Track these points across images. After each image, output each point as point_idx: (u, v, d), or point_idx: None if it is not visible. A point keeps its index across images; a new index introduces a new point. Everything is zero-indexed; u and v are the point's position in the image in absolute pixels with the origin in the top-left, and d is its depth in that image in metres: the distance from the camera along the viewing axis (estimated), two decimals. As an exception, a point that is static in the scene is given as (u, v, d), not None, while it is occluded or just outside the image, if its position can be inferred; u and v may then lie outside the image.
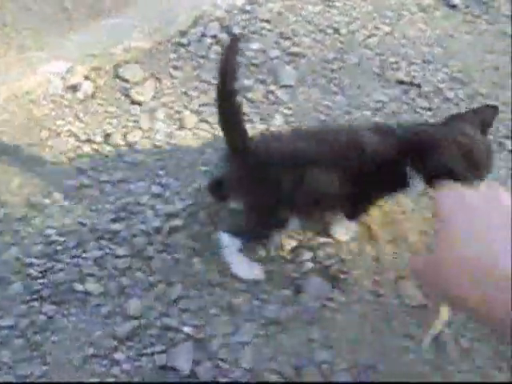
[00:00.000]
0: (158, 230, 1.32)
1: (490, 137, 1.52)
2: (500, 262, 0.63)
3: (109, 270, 1.28)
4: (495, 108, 1.24)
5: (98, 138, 1.46)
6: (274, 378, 1.16)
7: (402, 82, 1.61)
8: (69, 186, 1.39)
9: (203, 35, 1.63)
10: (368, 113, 1.55)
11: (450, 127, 1.17)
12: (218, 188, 1.31)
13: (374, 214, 1.38)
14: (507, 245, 0.63)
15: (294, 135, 1.22)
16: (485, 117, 1.20)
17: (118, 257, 1.29)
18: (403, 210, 1.41)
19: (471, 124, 1.17)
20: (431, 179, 1.11)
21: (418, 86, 1.61)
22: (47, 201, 1.37)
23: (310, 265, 1.30)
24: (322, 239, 1.33)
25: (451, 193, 0.76)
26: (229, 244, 1.25)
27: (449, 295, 0.70)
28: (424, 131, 1.16)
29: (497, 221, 0.68)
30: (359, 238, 1.35)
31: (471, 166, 1.11)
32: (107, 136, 1.46)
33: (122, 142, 1.45)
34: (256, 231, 1.27)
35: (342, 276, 1.29)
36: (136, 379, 1.15)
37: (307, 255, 1.31)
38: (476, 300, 0.64)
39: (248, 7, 1.72)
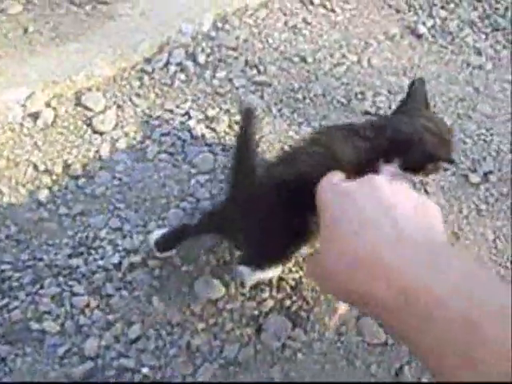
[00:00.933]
0: (117, 267, 1.29)
1: (454, 169, 1.53)
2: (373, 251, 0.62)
3: (66, 307, 1.25)
4: (422, 80, 1.25)
5: (58, 169, 1.42)
6: (232, 420, 1.14)
7: (367, 113, 1.60)
8: (26, 219, 1.35)
9: (168, 63, 1.61)
10: (333, 144, 1.54)
11: (410, 115, 1.17)
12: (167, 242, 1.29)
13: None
14: (381, 233, 0.62)
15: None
16: (422, 93, 1.23)
17: (75, 294, 1.26)
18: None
19: (420, 106, 1.20)
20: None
21: (384, 117, 1.61)
22: (2, 235, 1.33)
23: (270, 302, 1.29)
24: (283, 275, 1.32)
25: (328, 185, 0.75)
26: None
27: (336, 293, 0.69)
28: (396, 128, 1.14)
29: (371, 207, 0.67)
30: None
31: (445, 145, 1.14)
32: (67, 167, 1.43)
33: (82, 173, 1.42)
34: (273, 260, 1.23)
35: (303, 314, 1.28)
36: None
37: (268, 292, 1.30)
38: (357, 294, 0.63)
39: (214, 33, 1.70)
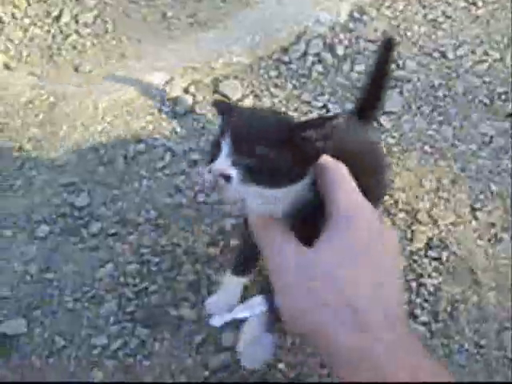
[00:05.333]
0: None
1: None
2: None
3: (203, 296, 1.25)
4: None
5: (195, 156, 1.43)
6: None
7: (511, 115, 1.52)
8: (164, 204, 1.37)
9: (305, 53, 1.58)
10: (473, 146, 1.47)
11: None
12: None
13: (477, 259, 1.32)
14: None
15: None
16: None
17: (213, 283, 1.26)
18: (506, 255, 1.34)
19: None
20: None
21: (529, 120, 1.52)
22: (141, 218, 1.35)
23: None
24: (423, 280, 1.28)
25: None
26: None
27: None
28: None
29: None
30: (461, 283, 1.28)
31: None
32: (205, 153, 1.43)
33: (220, 162, 1.42)
34: None
35: (440, 325, 1.23)
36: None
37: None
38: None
39: (351, 25, 1.66)
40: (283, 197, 0.71)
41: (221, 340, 1.20)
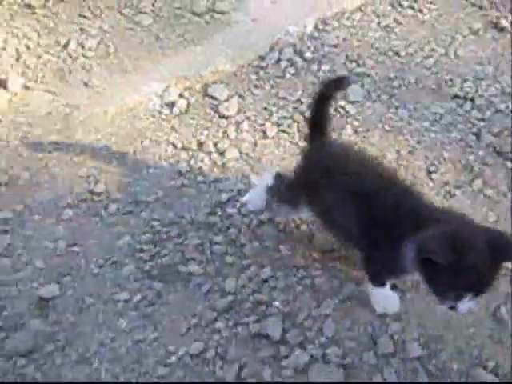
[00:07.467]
0: (247, 223, 1.53)
1: None
2: None
3: (207, 255, 1.49)
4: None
5: (193, 146, 1.70)
6: (352, 344, 1.33)
7: (456, 97, 1.80)
8: (170, 186, 1.62)
9: (279, 59, 1.88)
10: (427, 123, 1.74)
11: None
12: None
13: None
14: None
15: None
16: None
17: (215, 243, 1.50)
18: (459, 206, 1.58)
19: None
20: None
21: (472, 99, 1.80)
22: (151, 198, 1.60)
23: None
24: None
25: None
26: None
27: None
28: None
29: None
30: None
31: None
32: (200, 144, 1.70)
33: (214, 149, 1.68)
34: None
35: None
36: (233, 344, 1.35)
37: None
38: None
39: (316, 34, 1.96)
40: None
41: (224, 287, 1.43)
